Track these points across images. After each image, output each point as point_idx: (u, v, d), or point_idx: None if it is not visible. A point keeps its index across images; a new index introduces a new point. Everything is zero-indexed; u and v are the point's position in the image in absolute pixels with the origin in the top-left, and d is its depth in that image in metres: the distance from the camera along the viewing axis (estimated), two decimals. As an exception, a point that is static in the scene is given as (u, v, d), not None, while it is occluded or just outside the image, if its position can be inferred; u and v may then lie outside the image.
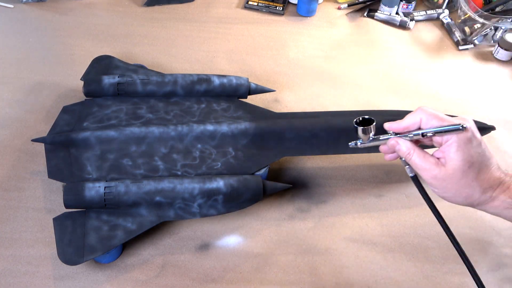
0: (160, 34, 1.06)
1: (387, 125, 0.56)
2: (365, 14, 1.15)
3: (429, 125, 0.52)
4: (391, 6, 1.13)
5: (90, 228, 0.65)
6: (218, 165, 0.72)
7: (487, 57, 1.06)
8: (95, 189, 0.66)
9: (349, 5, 1.17)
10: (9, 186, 0.76)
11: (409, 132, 0.54)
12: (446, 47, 1.08)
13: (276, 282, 0.67)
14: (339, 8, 1.16)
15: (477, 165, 0.51)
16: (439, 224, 0.55)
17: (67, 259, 0.63)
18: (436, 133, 0.51)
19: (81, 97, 0.83)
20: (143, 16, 1.11)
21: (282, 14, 1.14)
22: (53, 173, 0.71)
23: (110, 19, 1.10)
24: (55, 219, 0.67)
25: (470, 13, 1.04)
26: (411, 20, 1.12)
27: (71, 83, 0.93)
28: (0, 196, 0.75)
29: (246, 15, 1.13)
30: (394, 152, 0.57)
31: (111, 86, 0.80)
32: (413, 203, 0.78)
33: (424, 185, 0.56)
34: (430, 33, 1.12)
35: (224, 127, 0.75)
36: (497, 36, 1.07)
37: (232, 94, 0.82)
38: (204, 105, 0.81)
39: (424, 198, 0.55)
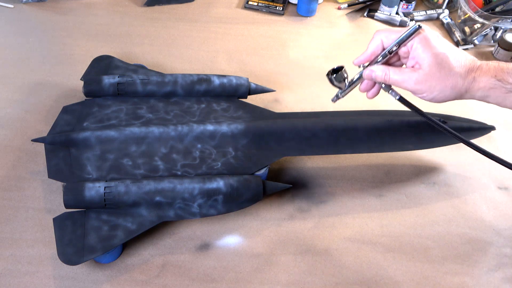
0: (160, 34, 1.06)
1: (355, 61, 0.59)
2: (365, 14, 1.15)
3: (391, 42, 0.55)
4: (391, 6, 1.13)
5: (90, 228, 0.65)
6: (218, 165, 0.72)
7: (487, 57, 1.06)
8: (95, 189, 0.66)
9: (349, 5, 1.17)
10: (9, 186, 0.76)
11: (376, 57, 0.57)
12: (446, 47, 1.08)
13: (276, 282, 0.67)
14: (339, 8, 1.16)
15: (447, 54, 0.53)
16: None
17: (67, 259, 0.63)
18: (399, 43, 0.54)
19: (81, 97, 0.83)
20: (143, 16, 1.11)
21: (282, 14, 1.14)
22: (53, 173, 0.71)
23: (110, 19, 1.10)
24: (55, 219, 0.67)
25: (470, 13, 1.04)
26: (411, 20, 1.12)
27: (71, 83, 0.93)
28: (0, 196, 0.75)
29: (246, 15, 1.13)
30: (374, 85, 0.60)
31: (111, 86, 0.80)
32: (413, 203, 0.78)
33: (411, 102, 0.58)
34: (430, 33, 1.12)
35: (224, 127, 0.75)
36: (497, 36, 1.07)
37: (232, 94, 0.82)
38: (204, 105, 0.81)
39: (417, 112, 0.57)
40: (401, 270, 0.69)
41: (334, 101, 0.63)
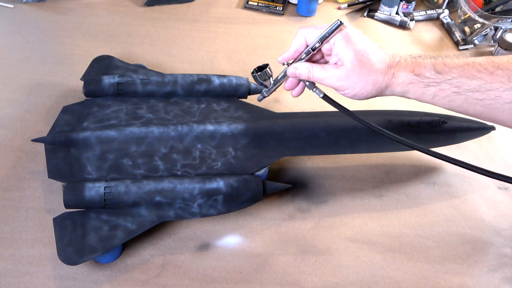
0: (160, 34, 1.06)
1: (280, 58, 0.59)
2: (365, 14, 1.15)
3: (314, 39, 0.55)
4: (391, 6, 1.13)
5: (90, 228, 0.65)
6: (218, 165, 0.72)
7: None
8: (95, 189, 0.66)
9: (349, 5, 1.17)
10: (9, 186, 0.76)
11: (300, 54, 0.57)
12: (446, 47, 1.08)
13: (276, 282, 0.67)
14: (339, 8, 1.16)
15: (368, 51, 0.54)
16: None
17: (67, 259, 0.63)
18: (322, 40, 0.54)
19: (81, 97, 0.83)
20: (143, 16, 1.11)
21: (282, 14, 1.14)
22: (53, 173, 0.71)
23: (110, 19, 1.10)
24: (55, 219, 0.67)
25: (470, 13, 1.04)
26: (411, 20, 1.12)
27: (71, 83, 0.93)
28: (0, 196, 0.75)
29: (246, 15, 1.13)
30: (298, 83, 0.60)
31: (111, 86, 0.80)
32: (413, 203, 0.78)
33: (336, 100, 0.58)
34: (430, 33, 1.12)
35: (224, 127, 0.75)
36: (497, 36, 1.07)
37: (232, 94, 0.82)
38: (204, 105, 0.81)
39: (340, 110, 0.58)
40: (401, 270, 0.69)
41: (260, 100, 0.65)
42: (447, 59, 0.53)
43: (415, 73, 0.53)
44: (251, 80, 0.95)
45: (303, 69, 0.57)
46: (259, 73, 0.59)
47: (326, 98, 0.58)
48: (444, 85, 0.52)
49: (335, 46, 0.55)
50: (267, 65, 0.59)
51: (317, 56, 0.59)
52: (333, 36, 0.54)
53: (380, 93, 0.56)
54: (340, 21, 0.53)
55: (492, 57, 0.51)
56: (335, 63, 0.56)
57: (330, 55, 0.57)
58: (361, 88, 0.55)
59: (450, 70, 0.52)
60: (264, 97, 0.64)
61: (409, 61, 0.54)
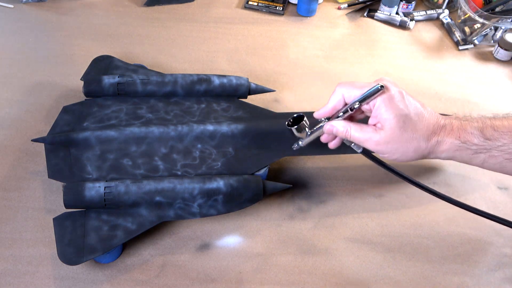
0: (160, 34, 1.06)
1: (316, 114, 0.57)
2: (365, 14, 1.15)
3: (352, 98, 0.53)
4: (391, 6, 1.13)
5: (90, 228, 0.65)
6: (218, 165, 0.72)
7: (487, 57, 1.06)
8: (95, 189, 0.66)
9: (349, 5, 1.17)
10: (9, 186, 0.76)
11: (338, 112, 0.55)
12: (446, 47, 1.08)
13: (276, 282, 0.67)
14: (339, 8, 1.16)
15: (410, 116, 0.51)
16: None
17: (67, 259, 0.63)
18: (360, 102, 0.52)
19: (81, 97, 0.83)
20: (143, 16, 1.11)
21: (282, 14, 1.14)
22: (53, 173, 0.71)
23: (110, 19, 1.10)
24: (55, 219, 0.67)
25: (470, 13, 1.04)
26: (411, 20, 1.12)
27: (71, 83, 0.93)
28: (0, 196, 0.75)
29: (246, 15, 1.13)
30: (335, 136, 0.58)
31: (111, 86, 0.80)
32: (413, 203, 0.78)
33: (376, 155, 0.56)
34: (430, 33, 1.12)
35: (224, 127, 0.75)
36: (497, 36, 1.07)
37: (232, 94, 0.82)
38: (204, 105, 0.81)
39: (381, 165, 0.56)
40: (401, 270, 0.69)
41: (295, 149, 0.62)
42: (497, 121, 0.50)
43: (461, 140, 0.50)
44: (251, 80, 0.95)
45: (341, 127, 0.54)
46: (295, 126, 0.56)
47: (365, 153, 0.56)
48: (494, 151, 0.49)
49: (375, 108, 0.52)
50: (302, 116, 0.56)
51: (356, 113, 0.56)
52: (373, 99, 0.52)
53: (423, 158, 0.54)
54: (381, 86, 0.50)
55: None
56: (375, 125, 0.53)
57: (370, 112, 0.54)
58: (401, 154, 0.52)
59: (500, 135, 0.48)
60: (300, 147, 0.61)
61: (455, 125, 0.51)
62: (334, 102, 0.55)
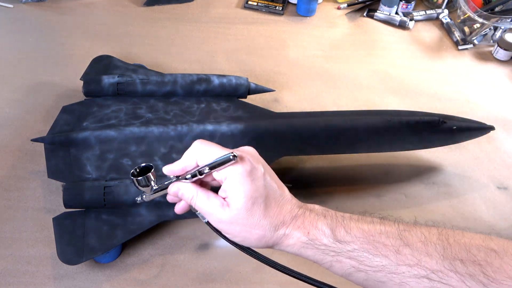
0: (160, 34, 1.06)
1: (165, 169, 0.47)
2: (364, 14, 1.15)
3: (205, 161, 0.45)
4: (390, 6, 1.13)
5: (90, 228, 0.65)
6: (217, 165, 0.72)
7: (487, 57, 1.06)
8: (94, 189, 0.66)
9: (348, 5, 1.17)
10: (9, 186, 0.76)
11: (186, 173, 0.47)
12: (446, 47, 1.08)
13: (276, 282, 0.67)
14: (338, 8, 1.16)
15: (262, 199, 0.44)
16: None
17: (67, 259, 0.63)
18: (210, 168, 0.44)
19: (81, 97, 0.83)
20: (143, 16, 1.11)
21: (282, 14, 1.14)
22: (53, 173, 0.71)
23: (110, 19, 1.10)
24: (54, 219, 0.67)
25: (470, 13, 1.04)
26: (411, 20, 1.12)
27: (71, 83, 0.93)
28: (0, 196, 0.75)
29: (246, 15, 1.13)
30: (181, 199, 0.49)
31: (111, 86, 0.80)
32: (413, 203, 0.78)
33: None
34: (429, 33, 1.12)
35: (224, 127, 0.75)
36: (497, 36, 1.07)
37: (232, 94, 0.82)
38: (203, 105, 0.81)
39: (230, 243, 0.47)
40: (400, 270, 0.69)
41: (139, 202, 0.52)
42: (352, 222, 0.44)
43: (309, 237, 0.44)
44: (251, 79, 0.95)
45: (187, 192, 0.46)
46: (139, 178, 0.47)
47: (210, 225, 0.46)
48: (341, 257, 0.43)
49: (226, 181, 0.44)
50: (151, 168, 0.48)
51: (209, 178, 0.48)
52: (223, 168, 0.44)
53: (267, 247, 0.47)
54: (234, 155, 0.43)
55: (405, 227, 0.43)
56: (224, 198, 0.45)
57: (221, 181, 0.45)
58: (242, 239, 0.45)
59: (352, 239, 0.42)
60: (143, 200, 0.52)
61: (307, 218, 0.45)
62: (186, 160, 0.46)
